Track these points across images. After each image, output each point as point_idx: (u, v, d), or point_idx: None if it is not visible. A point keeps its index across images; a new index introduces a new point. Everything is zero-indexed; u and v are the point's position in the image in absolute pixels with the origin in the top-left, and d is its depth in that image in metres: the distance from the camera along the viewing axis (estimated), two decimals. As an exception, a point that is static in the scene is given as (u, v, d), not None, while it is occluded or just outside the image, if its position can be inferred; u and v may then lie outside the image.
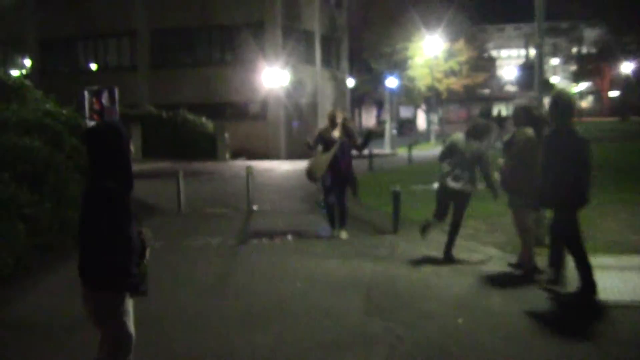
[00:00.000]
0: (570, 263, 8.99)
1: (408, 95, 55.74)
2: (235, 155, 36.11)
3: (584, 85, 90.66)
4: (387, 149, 44.89)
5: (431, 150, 42.64)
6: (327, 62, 47.39)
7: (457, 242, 11.33)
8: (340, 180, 13.12)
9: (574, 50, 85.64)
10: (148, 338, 6.84)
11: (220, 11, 39.48)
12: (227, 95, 39.46)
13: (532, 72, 12.67)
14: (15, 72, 38.63)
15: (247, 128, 38.80)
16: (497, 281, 9.71)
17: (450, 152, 10.79)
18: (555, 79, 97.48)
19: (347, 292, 9.38)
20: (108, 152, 5.05)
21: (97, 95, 22.90)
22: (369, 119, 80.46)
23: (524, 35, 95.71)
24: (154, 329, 7.56)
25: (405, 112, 77.08)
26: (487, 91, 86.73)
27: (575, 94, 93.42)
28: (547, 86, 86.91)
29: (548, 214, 10.50)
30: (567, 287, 8.99)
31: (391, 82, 47.10)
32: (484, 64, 68.19)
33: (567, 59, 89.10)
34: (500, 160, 10.05)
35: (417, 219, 14.54)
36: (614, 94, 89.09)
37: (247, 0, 39.34)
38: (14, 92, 18.39)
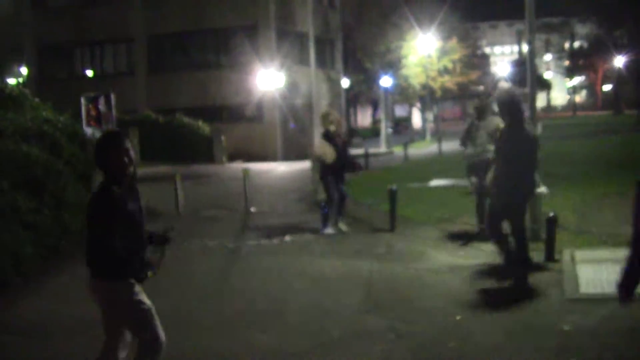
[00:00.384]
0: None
1: (403, 94, 55.76)
2: (232, 157, 36.09)
3: (577, 80, 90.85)
4: (382, 148, 44.95)
5: (427, 148, 42.73)
6: (321, 62, 47.39)
7: (454, 241, 11.41)
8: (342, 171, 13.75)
9: (567, 45, 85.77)
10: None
11: (214, 15, 39.47)
12: (223, 98, 39.46)
13: (525, 68, 12.70)
14: (12, 80, 38.64)
15: (244, 130, 38.78)
16: (495, 277, 9.73)
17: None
18: (548, 74, 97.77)
19: (346, 290, 9.42)
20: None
21: (93, 101, 22.91)
22: (364, 118, 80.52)
23: (517, 32, 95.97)
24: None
25: (400, 111, 77.17)
26: (481, 88, 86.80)
27: (568, 88, 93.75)
28: (542, 82, 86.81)
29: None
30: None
31: (385, 81, 47.16)
32: (477, 62, 68.26)
33: (560, 54, 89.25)
34: None
35: (413, 216, 14.62)
36: (607, 87, 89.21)
37: (240, 3, 39.34)
38: (11, 100, 18.38)
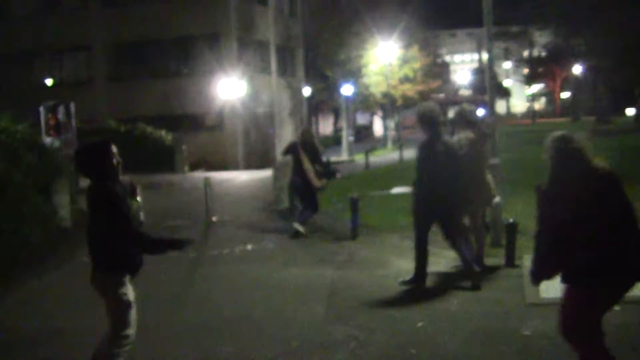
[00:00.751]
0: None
1: (364, 102, 56.01)
2: (194, 166, 35.91)
3: (536, 87, 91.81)
4: (344, 156, 45.01)
5: (388, 155, 42.89)
6: (282, 71, 47.40)
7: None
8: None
9: (525, 53, 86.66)
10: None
11: (175, 24, 39.27)
12: (185, 107, 39.25)
13: (484, 76, 12.82)
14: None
15: (205, 139, 38.62)
16: (456, 283, 9.77)
17: None
18: (508, 82, 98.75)
19: (309, 299, 9.41)
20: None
21: (53, 110, 22.71)
22: (326, 126, 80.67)
23: (476, 40, 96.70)
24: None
25: (362, 119, 77.41)
26: (441, 96, 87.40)
27: (528, 95, 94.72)
28: (502, 89, 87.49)
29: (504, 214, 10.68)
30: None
31: (347, 89, 47.28)
32: (438, 70, 68.73)
33: (519, 62, 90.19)
34: None
35: (376, 224, 14.64)
36: (565, 95, 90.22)
37: (202, 12, 39.22)
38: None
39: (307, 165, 14.45)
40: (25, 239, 12.28)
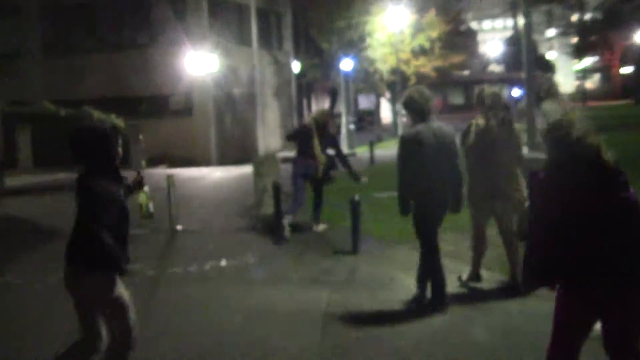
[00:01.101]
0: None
1: (368, 81, 56.00)
2: (154, 162, 35.93)
3: (587, 61, 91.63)
4: (344, 148, 45.04)
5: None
6: (266, 42, 47.43)
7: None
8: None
9: (574, 17, 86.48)
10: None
11: (129, -19, 39.40)
12: (142, 87, 39.17)
13: (520, 48, 12.86)
14: None
15: (169, 128, 38.63)
16: (484, 310, 9.81)
17: None
18: (551, 55, 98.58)
19: (299, 327, 9.43)
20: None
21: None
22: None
23: (511, 1, 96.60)
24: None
25: (365, 102, 77.37)
26: (466, 73, 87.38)
27: (578, 71, 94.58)
28: (544, 64, 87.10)
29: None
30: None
31: (346, 64, 47.23)
32: (462, 40, 68.76)
33: (566, 29, 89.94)
34: None
35: (381, 234, 14.68)
36: (626, 70, 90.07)
37: (163, -34, 39.35)
38: None
39: (318, 151, 15.82)
40: None
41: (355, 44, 51.16)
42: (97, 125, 7.30)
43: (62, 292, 10.99)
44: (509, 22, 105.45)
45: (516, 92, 53.40)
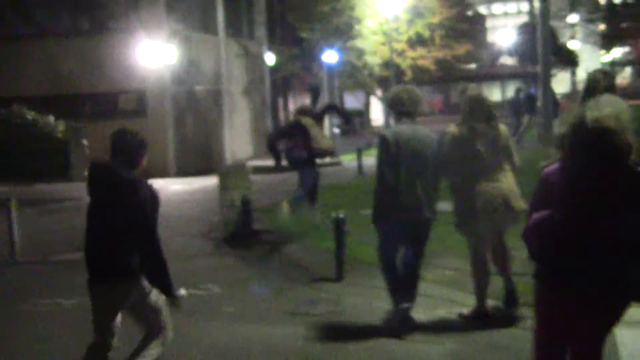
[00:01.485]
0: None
1: (355, 76, 56.07)
2: (100, 172, 35.87)
3: (617, 53, 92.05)
4: (327, 157, 45.01)
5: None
6: (235, 30, 47.51)
7: (430, 291, 11.57)
8: None
9: (602, 1, 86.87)
10: None
11: (71, -43, 39.40)
12: (86, 82, 39.07)
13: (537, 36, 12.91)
14: None
15: (117, 131, 38.58)
16: (491, 346, 9.85)
17: None
18: (574, 45, 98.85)
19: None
20: None
21: None
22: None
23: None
24: None
25: (352, 101, 77.51)
26: (473, 66, 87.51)
27: (605, 64, 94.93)
28: (566, 55, 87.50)
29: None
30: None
31: (330, 56, 47.29)
32: (468, 27, 68.96)
33: (592, 14, 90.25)
34: None
35: (370, 258, 14.68)
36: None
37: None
38: None
39: (324, 142, 18.85)
40: None
41: (341, 33, 51.26)
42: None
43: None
44: (524, 5, 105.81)
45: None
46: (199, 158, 39.64)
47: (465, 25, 63.14)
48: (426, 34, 54.06)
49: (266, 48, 51.91)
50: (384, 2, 48.63)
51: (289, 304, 12.39)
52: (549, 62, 10.97)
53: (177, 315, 12.00)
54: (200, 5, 43.64)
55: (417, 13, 52.87)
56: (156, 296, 8.21)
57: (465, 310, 11.04)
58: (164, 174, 37.19)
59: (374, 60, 53.12)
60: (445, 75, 62.80)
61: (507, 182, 10.76)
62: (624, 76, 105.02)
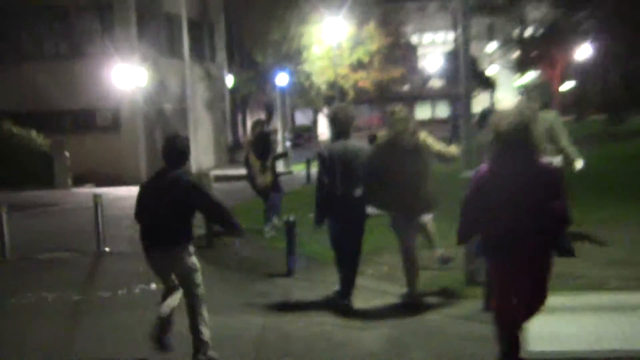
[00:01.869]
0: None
1: (304, 96, 56.06)
2: (80, 180, 35.72)
3: (529, 77, 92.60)
4: (280, 166, 45.01)
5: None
6: (198, 54, 47.41)
7: (368, 284, 11.68)
8: None
9: (515, 32, 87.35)
10: None
11: (52, -12, 39.10)
12: (66, 101, 38.83)
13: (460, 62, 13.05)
14: None
15: (95, 144, 38.42)
16: (420, 330, 9.97)
17: None
18: (493, 70, 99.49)
19: (230, 354, 9.48)
20: None
21: None
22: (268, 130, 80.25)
23: (451, 13, 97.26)
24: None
25: (302, 118, 77.53)
26: (406, 88, 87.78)
27: (521, 86, 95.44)
28: (484, 79, 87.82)
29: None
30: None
31: (282, 79, 47.28)
32: (402, 53, 69.13)
33: (507, 44, 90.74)
34: None
35: (319, 255, 14.74)
36: (567, 86, 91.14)
37: (89, -27, 39.13)
38: None
39: (252, 161, 18.39)
40: None
41: (292, 58, 51.24)
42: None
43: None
44: (450, 35, 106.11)
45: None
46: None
47: (400, 52, 63.40)
48: (366, 59, 54.23)
49: (226, 71, 51.84)
50: (329, 32, 48.65)
51: (245, 296, 12.41)
52: (470, 84, 11.13)
53: (150, 307, 12.10)
54: (168, 33, 43.52)
55: (357, 41, 52.97)
56: (193, 260, 9.21)
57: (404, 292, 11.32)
58: (136, 181, 36.79)
59: (320, 82, 53.19)
60: (382, 95, 63.05)
61: (424, 185, 11.00)
62: (535, 96, 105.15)
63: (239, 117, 65.83)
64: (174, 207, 8.99)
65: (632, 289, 11.09)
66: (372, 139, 11.94)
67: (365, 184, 11.15)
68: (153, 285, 13.55)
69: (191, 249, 9.18)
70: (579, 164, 13.73)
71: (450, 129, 45.04)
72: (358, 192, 11.11)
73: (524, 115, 7.57)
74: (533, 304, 7.95)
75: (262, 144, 18.64)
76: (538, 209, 7.45)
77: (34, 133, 36.25)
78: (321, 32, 50.14)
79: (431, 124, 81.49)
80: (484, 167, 7.69)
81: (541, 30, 77.17)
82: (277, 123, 47.50)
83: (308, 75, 53.10)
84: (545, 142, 12.66)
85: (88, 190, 31.66)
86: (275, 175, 18.90)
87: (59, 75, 39.07)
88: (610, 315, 9.83)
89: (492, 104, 63.90)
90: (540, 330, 9.42)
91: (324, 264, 14.06)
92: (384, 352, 9.35)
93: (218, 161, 49.29)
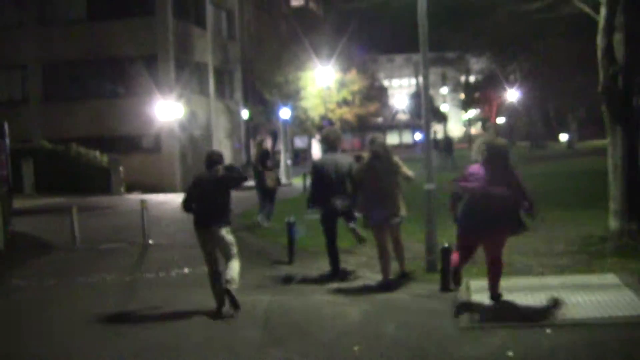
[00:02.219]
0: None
1: (301, 126, 56.03)
2: (130, 188, 35.66)
3: (472, 113, 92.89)
4: (282, 179, 45.02)
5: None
6: (220, 93, 47.35)
7: (349, 270, 11.79)
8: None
9: (462, 79, 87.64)
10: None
11: (112, 44, 38.97)
12: (121, 128, 38.90)
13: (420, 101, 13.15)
14: None
15: (142, 161, 38.35)
16: (392, 306, 9.93)
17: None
18: (445, 107, 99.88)
19: (245, 324, 9.43)
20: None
21: (-15, 131, 22.26)
22: (267, 148, 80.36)
23: (414, 65, 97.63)
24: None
25: (299, 142, 77.57)
26: (379, 120, 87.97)
27: (466, 120, 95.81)
28: (439, 114, 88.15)
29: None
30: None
31: (284, 113, 47.23)
32: (376, 93, 69.22)
33: (456, 87, 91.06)
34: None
35: (313, 248, 14.69)
36: (500, 120, 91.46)
37: (139, 33, 39.01)
38: None
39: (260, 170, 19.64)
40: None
41: (292, 96, 51.18)
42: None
43: (56, 291, 10.98)
44: (413, 80, 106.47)
45: (418, 136, 53.95)
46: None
47: (374, 92, 63.48)
48: (349, 97, 54.27)
49: (242, 106, 51.75)
50: (320, 76, 48.75)
51: (255, 279, 12.33)
52: (429, 117, 11.19)
53: (183, 286, 12.03)
54: (198, 77, 43.46)
55: (342, 84, 53.01)
56: (230, 236, 10.21)
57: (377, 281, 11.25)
58: (173, 190, 36.96)
59: (314, 115, 53.18)
60: (362, 126, 63.09)
61: (397, 198, 11.07)
62: (477, 127, 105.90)
63: (252, 141, 65.74)
64: (218, 187, 10.21)
65: (552, 274, 11.10)
66: (358, 158, 11.87)
67: (351, 194, 11.56)
68: (186, 270, 13.50)
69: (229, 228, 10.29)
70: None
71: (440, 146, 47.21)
72: (339, 198, 11.74)
73: (501, 142, 9.83)
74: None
75: (265, 159, 19.75)
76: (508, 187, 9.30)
77: (97, 153, 36.19)
78: (314, 77, 50.21)
79: (399, 148, 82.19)
80: (474, 166, 9.48)
81: (481, 78, 77.59)
82: (280, 146, 47.56)
83: (304, 110, 53.00)
84: None
85: (136, 196, 31.57)
86: (278, 182, 20.35)
87: (115, 109, 39.06)
88: (535, 294, 9.80)
89: (445, 133, 64.34)
90: (482, 306, 9.42)
91: (317, 254, 14.02)
92: (363, 322, 9.32)
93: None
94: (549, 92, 60.73)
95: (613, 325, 8.41)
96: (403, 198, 11.22)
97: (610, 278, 10.50)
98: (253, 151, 22.54)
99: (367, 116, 60.00)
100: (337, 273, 12.01)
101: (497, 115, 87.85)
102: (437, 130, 68.48)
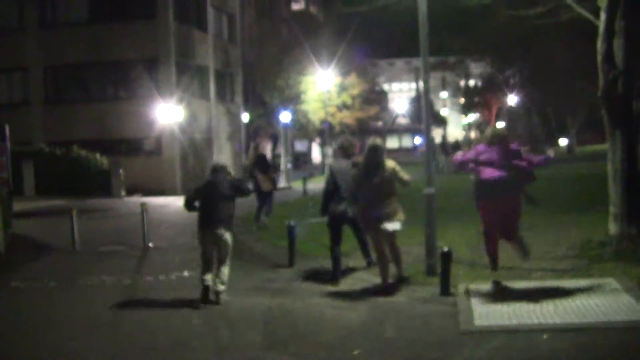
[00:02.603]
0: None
1: (302, 129, 56.05)
2: (131, 191, 35.60)
3: (471, 117, 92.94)
4: (282, 183, 45.00)
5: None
6: (221, 96, 47.34)
7: (350, 274, 11.65)
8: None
9: (462, 83, 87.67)
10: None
11: (113, 47, 38.94)
12: (122, 131, 38.87)
13: (421, 105, 13.16)
14: None
15: (142, 164, 38.29)
16: (392, 310, 9.91)
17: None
18: (444, 111, 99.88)
19: (245, 326, 9.43)
20: None
21: (-14, 133, 22.25)
22: (264, 152, 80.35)
23: (414, 69, 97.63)
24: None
25: (299, 146, 77.57)
26: (379, 124, 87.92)
27: (465, 124, 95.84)
28: (438, 118, 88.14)
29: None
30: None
31: (285, 116, 47.29)
32: (376, 97, 69.21)
33: (455, 92, 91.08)
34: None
35: (313, 252, 14.69)
36: (500, 124, 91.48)
37: (140, 36, 39.00)
38: None
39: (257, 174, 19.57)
40: None
41: (292, 99, 51.21)
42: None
43: (56, 294, 10.97)
44: (413, 84, 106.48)
45: (418, 140, 54.12)
46: (196, 182, 39.33)
47: (374, 96, 63.50)
48: (349, 101, 54.28)
49: (242, 109, 51.73)
50: (321, 80, 48.82)
51: (256, 281, 12.35)
52: (429, 122, 11.15)
53: (183, 289, 12.00)
54: (199, 80, 43.44)
55: (343, 87, 53.05)
56: (231, 240, 10.85)
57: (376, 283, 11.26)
58: (173, 193, 36.95)
59: (314, 119, 53.19)
60: (362, 129, 63.07)
61: (393, 202, 10.95)
62: (476, 132, 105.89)
63: (251, 145, 65.78)
64: (229, 190, 10.89)
65: (551, 278, 11.08)
66: (355, 164, 11.86)
67: (353, 200, 11.54)
68: (186, 273, 13.48)
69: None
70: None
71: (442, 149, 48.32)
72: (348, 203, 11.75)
73: (501, 130, 11.26)
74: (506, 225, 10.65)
75: (262, 162, 19.97)
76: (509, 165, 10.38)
77: (97, 155, 36.15)
78: (315, 81, 50.23)
79: (398, 152, 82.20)
80: (480, 145, 10.80)
81: (481, 83, 77.68)
82: (281, 149, 47.58)
83: (305, 114, 53.06)
84: None
85: (137, 199, 31.52)
86: (274, 184, 20.23)
87: (116, 112, 39.01)
88: (534, 298, 9.78)
89: (444, 136, 64.43)
90: (482, 310, 9.40)
91: (316, 257, 14.01)
92: (363, 325, 9.30)
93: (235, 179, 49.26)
94: (548, 97, 60.77)
95: (612, 330, 8.40)
96: (399, 202, 11.16)
97: (610, 282, 10.48)
98: (250, 154, 23.47)
99: (367, 119, 59.97)
100: (336, 278, 11.82)
101: (497, 119, 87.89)
102: (438, 133, 68.55)
